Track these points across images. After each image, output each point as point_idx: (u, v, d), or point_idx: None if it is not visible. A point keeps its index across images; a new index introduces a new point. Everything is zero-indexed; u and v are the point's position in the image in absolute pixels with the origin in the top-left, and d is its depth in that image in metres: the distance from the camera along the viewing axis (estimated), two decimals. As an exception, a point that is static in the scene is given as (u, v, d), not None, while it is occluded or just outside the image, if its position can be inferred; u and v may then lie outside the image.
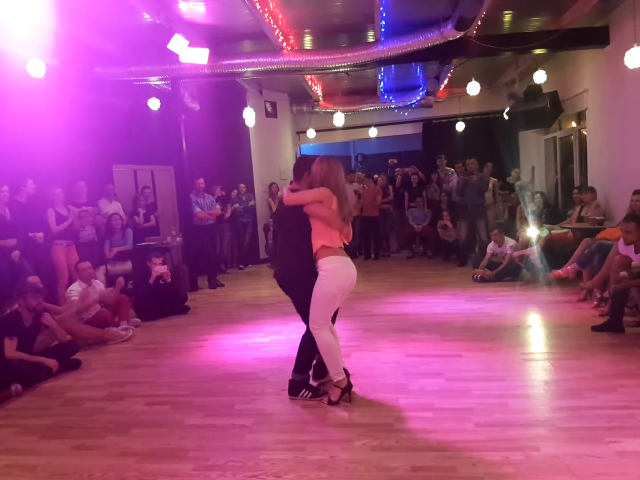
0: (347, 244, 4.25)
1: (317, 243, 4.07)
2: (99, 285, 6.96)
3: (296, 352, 4.39)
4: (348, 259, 4.16)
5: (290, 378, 4.35)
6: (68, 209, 7.72)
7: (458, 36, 7.57)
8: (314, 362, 4.45)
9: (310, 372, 4.46)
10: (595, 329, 5.49)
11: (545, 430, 3.49)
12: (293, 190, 4.30)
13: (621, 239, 5.84)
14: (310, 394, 4.26)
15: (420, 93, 12.78)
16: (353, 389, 4.21)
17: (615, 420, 3.54)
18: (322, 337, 4.09)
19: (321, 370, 4.49)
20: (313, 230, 4.11)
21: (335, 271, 4.04)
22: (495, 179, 11.25)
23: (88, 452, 3.62)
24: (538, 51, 8.92)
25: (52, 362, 5.12)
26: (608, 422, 3.52)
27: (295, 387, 4.32)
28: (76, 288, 6.66)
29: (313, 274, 4.13)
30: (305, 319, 4.24)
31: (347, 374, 4.32)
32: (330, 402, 4.12)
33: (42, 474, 3.35)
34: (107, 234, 8.48)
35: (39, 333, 5.43)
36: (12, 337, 5.01)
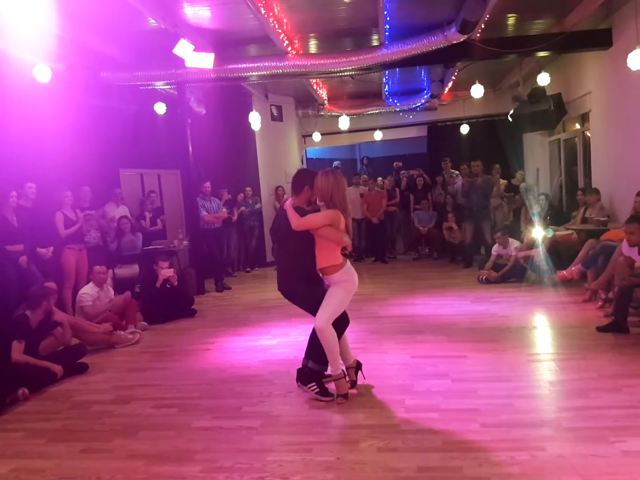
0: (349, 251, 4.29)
1: (322, 262, 4.13)
2: (111, 291, 7.02)
3: (309, 344, 4.40)
4: (350, 265, 4.25)
5: (307, 365, 4.35)
6: (76, 213, 7.73)
7: (462, 39, 7.58)
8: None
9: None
10: (600, 329, 5.50)
11: (551, 431, 3.50)
12: (295, 208, 4.18)
13: (625, 241, 5.85)
14: (318, 389, 4.24)
15: (425, 96, 12.81)
16: (358, 392, 4.26)
17: (621, 420, 3.55)
18: (327, 332, 4.10)
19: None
20: (318, 248, 4.13)
21: (347, 285, 4.15)
22: (505, 181, 11.24)
23: (96, 455, 3.64)
24: (542, 54, 8.95)
25: (57, 369, 5.12)
26: (614, 422, 3.53)
27: (308, 376, 4.32)
28: (89, 291, 6.72)
29: (313, 282, 4.23)
30: (315, 313, 4.23)
31: (360, 368, 4.43)
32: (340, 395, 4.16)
33: (50, 478, 3.37)
34: (117, 236, 8.52)
35: (45, 336, 5.47)
36: (21, 340, 5.03)
